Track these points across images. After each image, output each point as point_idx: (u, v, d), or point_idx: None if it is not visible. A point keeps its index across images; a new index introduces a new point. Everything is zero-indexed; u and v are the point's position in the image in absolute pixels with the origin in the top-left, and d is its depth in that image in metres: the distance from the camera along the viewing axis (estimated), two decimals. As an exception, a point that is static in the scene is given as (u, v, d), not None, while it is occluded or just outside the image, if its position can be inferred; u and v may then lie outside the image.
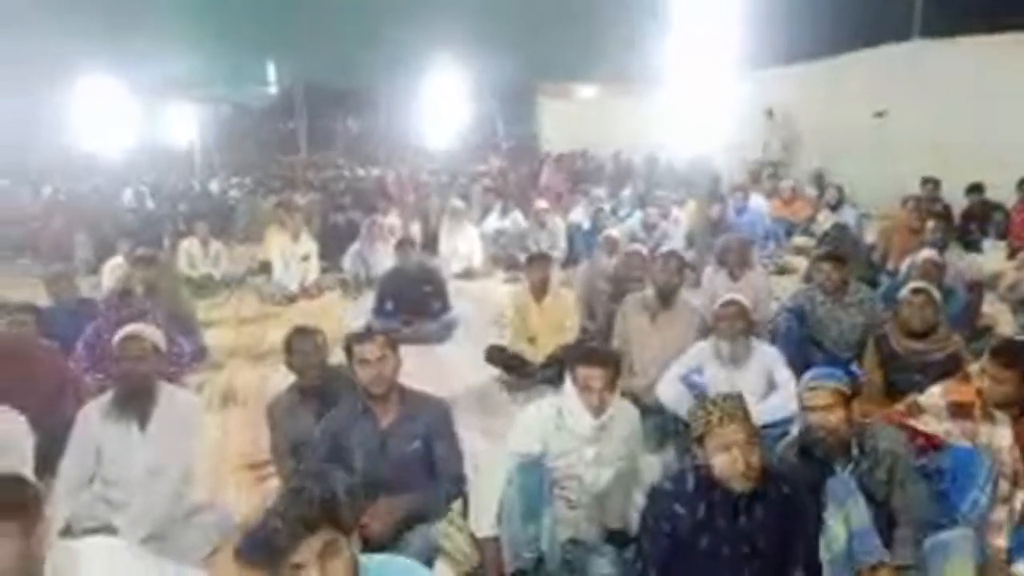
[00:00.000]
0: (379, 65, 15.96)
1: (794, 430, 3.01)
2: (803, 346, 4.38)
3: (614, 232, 6.96)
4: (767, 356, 3.75)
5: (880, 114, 10.89)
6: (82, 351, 4.62)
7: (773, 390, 3.64)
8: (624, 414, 2.85)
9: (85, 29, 10.58)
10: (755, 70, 11.37)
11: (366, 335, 2.92)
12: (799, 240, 8.96)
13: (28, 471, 2.84)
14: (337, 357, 3.39)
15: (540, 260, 5.33)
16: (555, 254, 8.52)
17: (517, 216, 9.68)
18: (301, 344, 3.31)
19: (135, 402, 3.02)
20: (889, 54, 11.03)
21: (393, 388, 2.90)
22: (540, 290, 5.20)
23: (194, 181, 15.20)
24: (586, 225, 8.95)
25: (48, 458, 3.05)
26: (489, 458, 3.70)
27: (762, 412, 3.36)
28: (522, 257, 8.50)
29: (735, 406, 2.30)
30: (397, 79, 17.67)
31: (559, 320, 5.13)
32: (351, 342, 2.90)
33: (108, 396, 3.10)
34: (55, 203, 11.62)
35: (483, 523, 2.72)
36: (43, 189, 13.13)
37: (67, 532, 2.75)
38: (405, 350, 5.82)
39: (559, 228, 8.99)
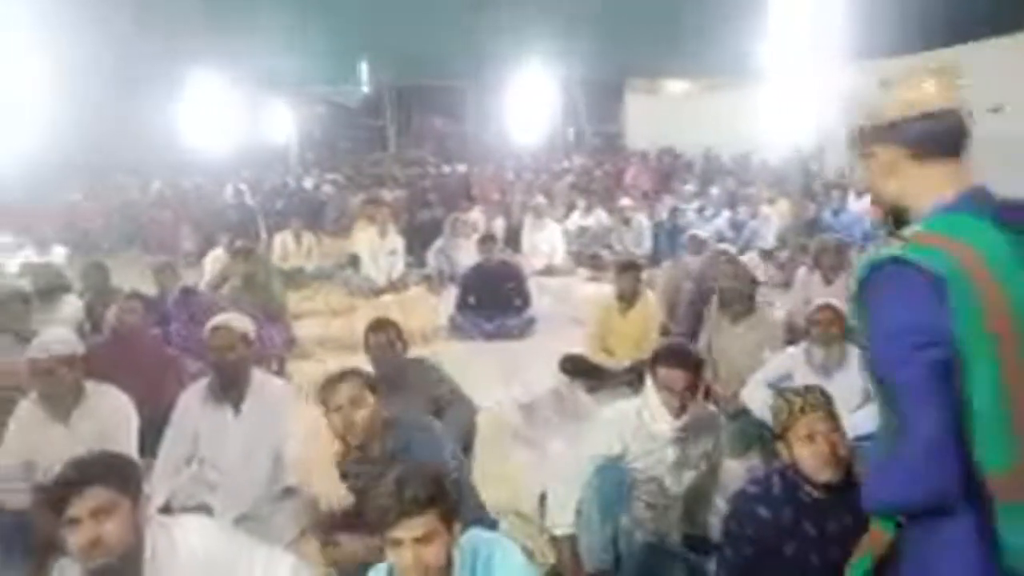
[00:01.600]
0: (468, 63, 16.14)
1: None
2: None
3: (701, 231, 6.80)
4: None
5: (996, 109, 10.17)
6: (182, 334, 4.90)
7: (869, 401, 3.46)
8: (706, 417, 2.78)
9: (191, 31, 11.17)
10: (856, 62, 10.83)
11: (340, 376, 2.66)
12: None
13: (133, 451, 3.03)
14: (416, 351, 3.46)
15: (631, 269, 5.15)
16: (639, 252, 8.42)
17: (600, 214, 9.60)
18: (377, 337, 3.38)
19: (229, 388, 3.16)
20: (1005, 46, 10.29)
21: (375, 433, 2.63)
22: (628, 300, 5.05)
23: (289, 177, 15.80)
24: (669, 223, 8.78)
25: (149, 439, 3.23)
26: (567, 457, 3.69)
27: (855, 423, 3.20)
28: (604, 255, 8.46)
29: (817, 397, 2.21)
30: (485, 77, 17.82)
31: (642, 333, 4.96)
32: (326, 382, 2.67)
33: (205, 381, 3.25)
34: (162, 197, 12.35)
35: (560, 522, 2.71)
36: (152, 184, 13.96)
37: (165, 509, 2.91)
38: (485, 346, 5.92)
39: (644, 226, 8.86)
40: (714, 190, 10.69)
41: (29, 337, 3.65)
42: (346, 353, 5.74)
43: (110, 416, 3.15)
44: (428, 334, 6.15)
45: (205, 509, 2.92)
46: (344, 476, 2.66)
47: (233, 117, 15.73)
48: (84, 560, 1.84)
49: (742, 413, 3.74)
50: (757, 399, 3.63)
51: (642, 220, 8.99)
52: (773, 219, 8.54)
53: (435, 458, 2.62)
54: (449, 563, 1.85)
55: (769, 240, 8.25)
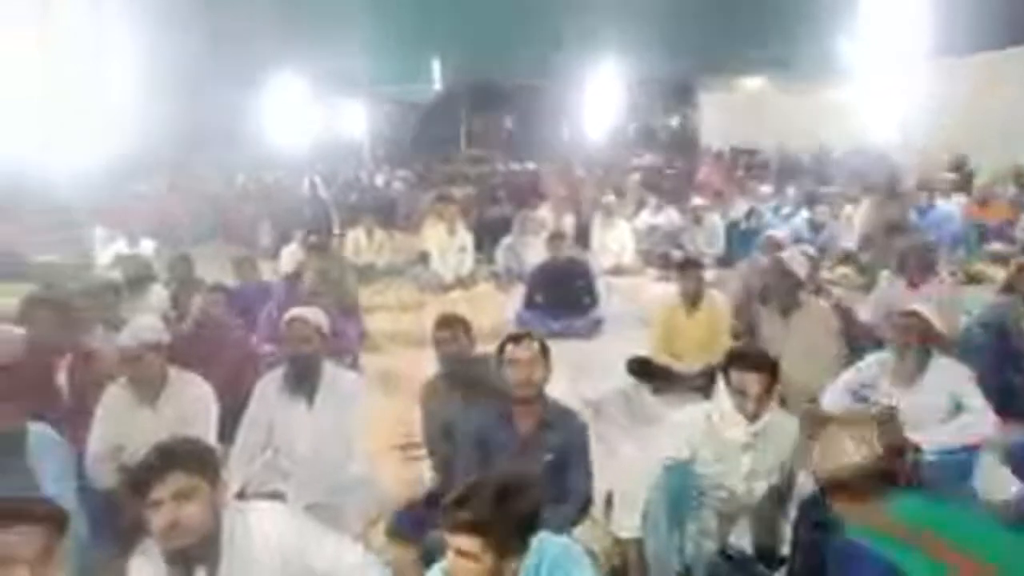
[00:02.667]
0: (539, 61, 16.14)
1: (988, 458, 2.70)
2: (1001, 366, 3.91)
3: (777, 232, 6.58)
4: (953, 375, 3.37)
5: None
6: (264, 324, 5.06)
7: (958, 413, 3.27)
8: (782, 424, 2.68)
9: (273, 34, 11.56)
10: (940, 59, 10.28)
11: (521, 336, 2.87)
12: (995, 246, 8.01)
13: (212, 437, 3.15)
14: (484, 347, 3.47)
15: (691, 268, 5.03)
16: (711, 252, 8.23)
17: (671, 212, 9.44)
18: (443, 333, 3.39)
19: (303, 380, 3.24)
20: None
21: (539, 395, 2.81)
22: (692, 300, 4.91)
23: (362, 174, 16.15)
24: (745, 224, 8.54)
25: (227, 426, 3.34)
26: (635, 459, 3.64)
27: (942, 435, 3.05)
28: (675, 254, 8.31)
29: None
30: (556, 75, 17.78)
31: (710, 336, 4.79)
32: (506, 342, 2.84)
33: (281, 371, 3.34)
34: (244, 192, 12.79)
35: (627, 524, 2.67)
36: (235, 179, 14.49)
37: (241, 495, 3.00)
38: (552, 344, 5.88)
39: (716, 226, 8.66)
40: (791, 189, 10.35)
41: (119, 325, 3.85)
42: (415, 348, 5.83)
43: (192, 403, 3.28)
44: (495, 331, 6.16)
45: (278, 496, 3.00)
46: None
47: (310, 115, 16.22)
48: (165, 541, 1.91)
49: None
50: (838, 406, 3.48)
51: (715, 219, 8.78)
52: (855, 219, 8.20)
53: (580, 433, 2.82)
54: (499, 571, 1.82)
55: (851, 241, 7.94)
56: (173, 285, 5.82)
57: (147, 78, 7.78)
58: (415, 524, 2.99)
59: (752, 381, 2.54)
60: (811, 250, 5.50)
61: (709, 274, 6.66)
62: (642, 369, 4.91)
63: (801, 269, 4.43)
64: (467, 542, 1.76)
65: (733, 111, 19.18)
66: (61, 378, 3.68)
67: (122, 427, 3.20)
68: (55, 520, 1.83)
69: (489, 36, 13.58)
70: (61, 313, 3.94)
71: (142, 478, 1.91)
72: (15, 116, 5.61)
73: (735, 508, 2.69)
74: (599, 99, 17.19)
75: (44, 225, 8.09)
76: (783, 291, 4.36)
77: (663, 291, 7.06)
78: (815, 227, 7.98)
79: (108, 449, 3.17)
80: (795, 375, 3.74)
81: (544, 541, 1.97)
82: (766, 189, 10.43)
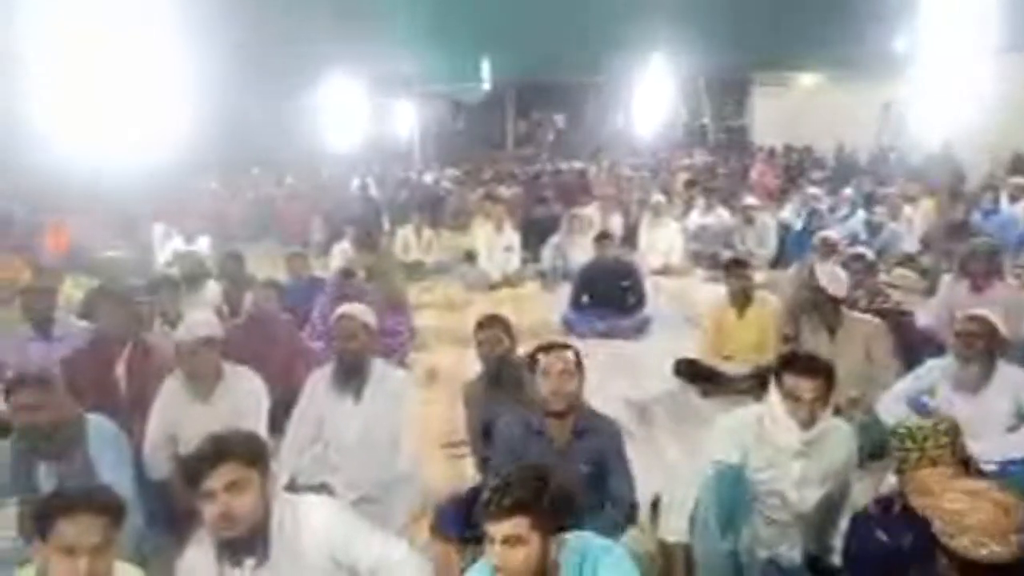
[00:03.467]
0: (589, 60, 16.04)
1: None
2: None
3: (832, 233, 6.40)
4: (1018, 382, 3.24)
5: None
6: (317, 320, 5.16)
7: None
8: (837, 432, 2.60)
9: (325, 35, 11.75)
10: (1004, 54, 9.83)
11: (553, 346, 2.77)
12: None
13: (263, 429, 3.21)
14: (527, 346, 3.46)
15: (738, 268, 4.92)
16: (762, 253, 8.08)
17: (722, 212, 9.28)
18: (486, 332, 3.39)
19: (351, 376, 3.28)
20: None
21: (572, 407, 2.70)
22: (741, 301, 4.82)
23: (411, 173, 16.32)
24: (799, 224, 8.33)
25: (278, 418, 3.42)
26: (682, 463, 3.59)
27: (1007, 446, 2.93)
28: (725, 255, 8.17)
29: (940, 447, 2.01)
30: (606, 73, 17.66)
31: (760, 338, 4.69)
32: (537, 351, 2.73)
33: (330, 367, 3.39)
34: (296, 190, 13.06)
35: (674, 529, 2.63)
36: (286, 177, 14.81)
37: (290, 487, 3.05)
38: (598, 345, 5.85)
39: (768, 226, 8.48)
40: (847, 190, 10.06)
41: (176, 320, 3.97)
42: (461, 346, 5.86)
43: (245, 397, 3.36)
44: (540, 331, 6.16)
45: (326, 489, 3.05)
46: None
47: (362, 114, 16.46)
48: (217, 531, 1.96)
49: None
50: (894, 414, 3.37)
51: (767, 220, 8.61)
52: (916, 221, 7.94)
53: (616, 440, 2.76)
54: (543, 568, 1.84)
55: (910, 244, 7.68)
56: (224, 282, 5.99)
57: (203, 78, 8.00)
58: (459, 521, 3.00)
59: (806, 387, 2.46)
60: (869, 253, 5.33)
61: (760, 276, 6.55)
62: (689, 371, 4.83)
63: (838, 287, 4.03)
64: (513, 525, 1.78)
65: (788, 108, 18.75)
66: (120, 370, 3.81)
67: (177, 419, 3.29)
68: (114, 510, 1.90)
69: (539, 35, 13.54)
70: (122, 307, 4.08)
71: (196, 469, 1.96)
72: (81, 119, 5.83)
73: (787, 516, 2.62)
74: (649, 97, 16.98)
75: (108, 222, 8.40)
76: (822, 309, 4.05)
77: (712, 292, 6.95)
78: (873, 229, 7.75)
79: (163, 440, 3.27)
80: (843, 396, 3.61)
81: (587, 540, 1.98)
82: (821, 189, 10.16)
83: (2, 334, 4.44)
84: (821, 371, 2.49)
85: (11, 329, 4.41)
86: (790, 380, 2.49)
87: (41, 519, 1.85)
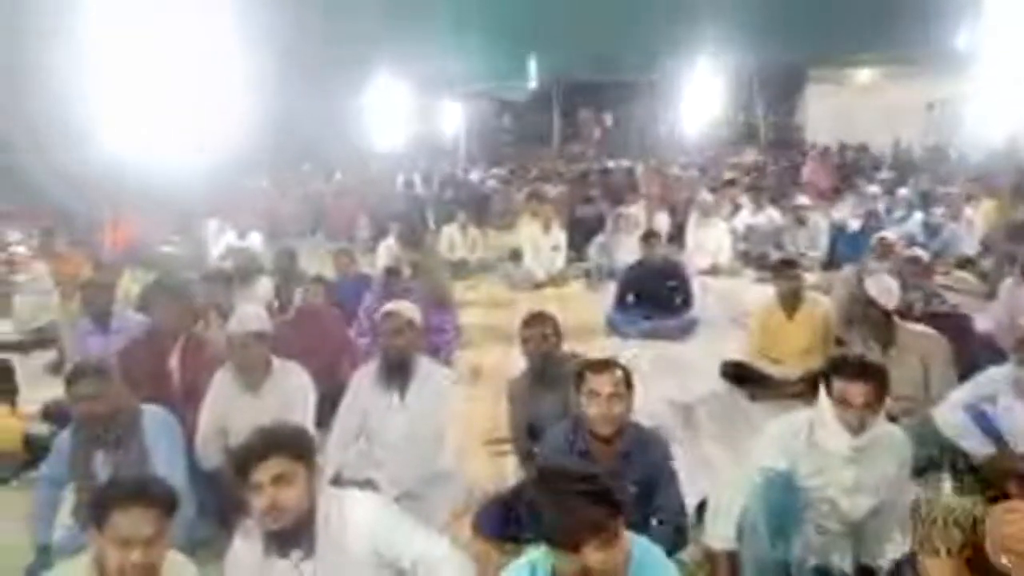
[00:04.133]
0: (637, 57, 15.90)
1: None
2: None
3: (889, 234, 6.21)
4: (1086, 390, 3.09)
5: None
6: (363, 317, 5.22)
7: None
8: (890, 438, 2.52)
9: (373, 35, 11.92)
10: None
11: (602, 364, 2.59)
12: None
13: (310, 424, 3.27)
14: (571, 346, 3.45)
15: (788, 268, 4.77)
16: (814, 254, 7.89)
17: (773, 212, 9.09)
18: (532, 330, 3.37)
19: (396, 372, 3.31)
20: None
21: (620, 431, 2.56)
22: (791, 303, 4.68)
23: (457, 171, 16.41)
24: (854, 225, 8.10)
25: (324, 413, 3.47)
26: (729, 468, 3.53)
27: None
28: (774, 255, 8.00)
29: (947, 537, 1.91)
30: (655, 71, 17.48)
31: (811, 341, 4.55)
32: (584, 368, 2.60)
33: (375, 363, 3.43)
34: (344, 188, 13.25)
35: (720, 534, 2.58)
36: (335, 175, 15.05)
37: (335, 482, 3.09)
38: (643, 346, 5.80)
39: (820, 227, 8.27)
40: (903, 190, 9.75)
41: (228, 314, 4.06)
42: (505, 344, 5.87)
43: (293, 390, 3.42)
44: (585, 330, 6.13)
45: (371, 485, 3.08)
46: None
47: (408, 113, 16.63)
48: (264, 522, 2.00)
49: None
50: (952, 424, 3.25)
51: (819, 220, 8.39)
52: (976, 222, 7.65)
53: (664, 460, 2.64)
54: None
55: (970, 246, 7.41)
56: (277, 276, 6.11)
57: (256, 80, 8.18)
58: (501, 519, 3.00)
59: (856, 391, 2.38)
60: (924, 255, 5.16)
61: (812, 278, 6.39)
62: (737, 373, 4.74)
63: (889, 298, 3.81)
64: (612, 523, 1.74)
65: (842, 105, 18.27)
66: (174, 362, 3.92)
67: (227, 411, 3.37)
68: (166, 502, 1.96)
69: (587, 33, 13.49)
70: (177, 301, 4.20)
71: (244, 461, 2.00)
72: (140, 119, 6.03)
73: (838, 524, 2.55)
74: (698, 95, 16.75)
75: (165, 218, 8.66)
76: (873, 322, 3.83)
77: (761, 293, 6.82)
78: (931, 230, 7.50)
79: (214, 431, 3.34)
80: (895, 411, 3.49)
81: (631, 541, 1.94)
82: (876, 188, 9.87)
83: (64, 326, 4.63)
84: (872, 375, 2.40)
85: (73, 321, 4.58)
86: (839, 384, 2.41)
87: (96, 510, 1.91)
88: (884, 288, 3.85)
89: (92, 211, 9.87)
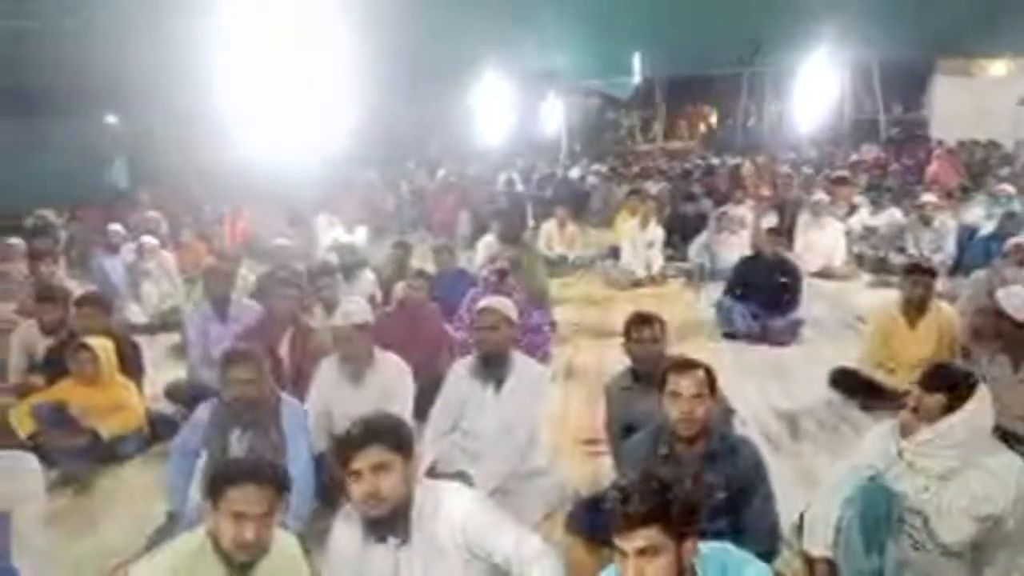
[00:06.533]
0: (746, 50, 15.34)
1: None
2: None
3: (1024, 238, 5.69)
4: None
5: None
6: (464, 314, 5.30)
7: None
8: (1005, 466, 2.30)
9: (478, 33, 12.07)
10: None
11: (686, 365, 2.56)
12: None
13: (408, 414, 3.35)
14: (669, 347, 3.36)
15: (921, 274, 4.40)
16: (939, 258, 7.35)
17: (894, 212, 8.55)
18: (640, 331, 3.31)
19: (492, 367, 3.33)
20: None
21: (702, 432, 2.53)
22: (916, 310, 4.35)
23: (558, 167, 16.39)
24: (987, 227, 7.47)
25: (421, 405, 3.54)
26: (830, 474, 3.35)
27: None
28: (894, 258, 7.52)
29: None
30: (765, 63, 16.81)
31: (933, 351, 4.17)
32: (667, 369, 2.58)
33: (472, 357, 3.46)
34: (447, 185, 13.52)
35: (818, 541, 2.47)
36: (438, 172, 15.36)
37: (430, 473, 3.14)
38: (745, 348, 5.60)
39: (948, 229, 7.68)
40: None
41: (333, 305, 4.22)
42: (600, 341, 5.82)
43: (393, 381, 3.52)
44: (683, 331, 5.98)
45: (465, 478, 3.11)
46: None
47: (511, 110, 16.74)
48: (362, 509, 2.06)
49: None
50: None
51: (946, 221, 7.80)
52: None
53: (755, 467, 2.55)
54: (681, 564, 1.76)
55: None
56: (389, 268, 6.31)
57: (363, 79, 8.46)
58: (594, 520, 2.96)
59: (933, 402, 2.24)
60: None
61: (938, 284, 5.95)
62: (848, 382, 4.49)
63: (1023, 311, 3.47)
64: (647, 535, 1.71)
65: (971, 99, 16.94)
66: (284, 349, 4.12)
67: (331, 399, 3.50)
68: (278, 483, 2.07)
69: (694, 26, 13.12)
70: (289, 291, 4.41)
71: (345, 449, 2.06)
72: (256, 118, 6.37)
73: (931, 544, 2.37)
74: (812, 88, 15.94)
75: (279, 212, 9.13)
76: (1005, 338, 3.52)
77: (876, 298, 6.45)
78: (1073, 234, 6.81)
79: (319, 417, 3.48)
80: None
81: (728, 551, 1.90)
82: (1008, 188, 9.08)
83: (187, 312, 4.97)
84: (964, 389, 2.23)
85: (196, 307, 4.90)
86: (925, 398, 2.27)
87: (213, 486, 2.03)
88: (1019, 299, 3.54)
89: (214, 205, 10.56)
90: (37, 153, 11.40)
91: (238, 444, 3.06)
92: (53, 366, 4.19)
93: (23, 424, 3.86)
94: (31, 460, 2.59)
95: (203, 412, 3.20)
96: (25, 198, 10.07)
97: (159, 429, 4.20)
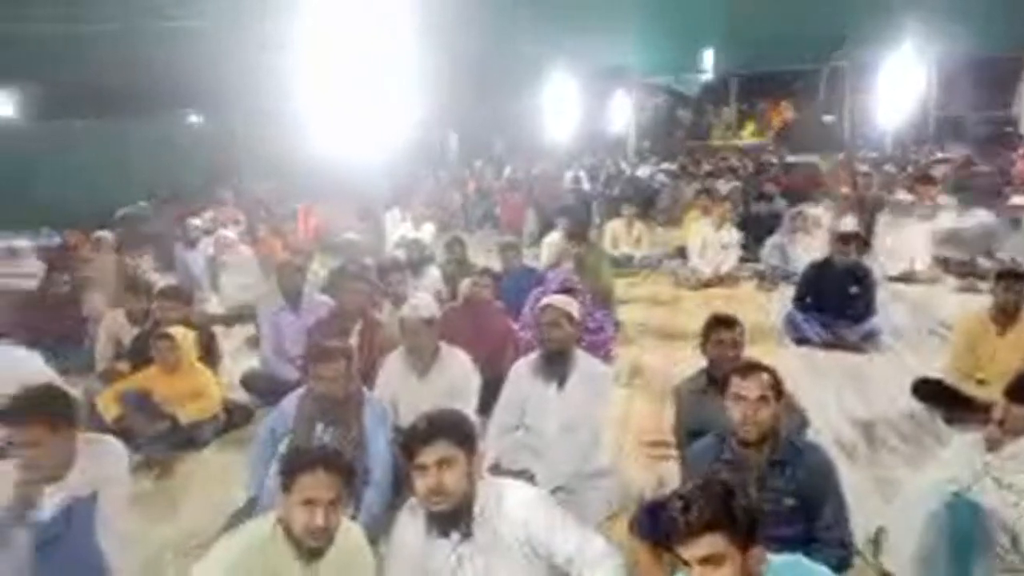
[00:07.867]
0: (823, 45, 14.82)
1: None
2: None
3: None
4: None
5: None
6: (528, 314, 5.30)
7: None
8: None
9: (546, 29, 12.06)
10: None
11: (749, 368, 2.51)
12: None
13: (471, 411, 3.37)
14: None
15: (1014, 280, 4.17)
16: (1029, 262, 6.94)
17: (981, 214, 8.10)
18: (721, 334, 3.23)
19: (555, 364, 3.32)
20: None
21: (765, 437, 2.45)
22: (1007, 317, 4.13)
23: (625, 165, 16.20)
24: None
25: (485, 401, 3.56)
26: (909, 487, 3.20)
27: None
28: (982, 263, 7.13)
29: None
30: (843, 57, 16.20)
31: None
32: (730, 373, 2.53)
33: (535, 355, 3.45)
34: (514, 182, 13.55)
35: (899, 559, 2.38)
36: (504, 170, 15.40)
37: (492, 470, 3.14)
38: (819, 355, 5.42)
39: (1039, 231, 7.26)
40: None
41: (401, 300, 4.28)
42: (666, 342, 5.72)
43: (458, 376, 3.55)
44: (753, 335, 5.81)
45: (527, 476, 3.11)
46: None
47: (578, 107, 16.64)
48: (427, 503, 2.09)
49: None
50: None
51: (1037, 223, 7.37)
52: None
53: (825, 474, 2.47)
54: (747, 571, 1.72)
55: None
56: (451, 266, 6.37)
57: (432, 77, 8.55)
58: (657, 525, 2.91)
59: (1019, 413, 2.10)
60: None
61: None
62: (931, 392, 4.27)
63: None
64: (710, 542, 1.68)
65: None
66: (353, 342, 4.20)
67: (398, 391, 3.56)
68: (346, 471, 2.12)
69: (768, 21, 12.74)
70: (359, 285, 4.51)
71: (410, 443, 2.09)
72: (329, 116, 6.53)
73: (1020, 559, 2.24)
74: (895, 84, 15.23)
75: (349, 207, 9.33)
76: None
77: (963, 304, 6.14)
78: None
79: (388, 407, 3.53)
80: None
81: (799, 562, 1.85)
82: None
83: (261, 305, 5.15)
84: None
85: (270, 300, 5.06)
86: (1015, 409, 2.14)
87: (285, 473, 2.10)
88: None
89: (286, 201, 10.88)
90: (124, 151, 11.99)
91: (323, 437, 3.14)
92: (138, 354, 4.39)
93: (109, 409, 4.04)
94: (117, 444, 2.69)
95: (290, 403, 3.28)
96: (113, 194, 10.58)
97: (234, 416, 4.35)
